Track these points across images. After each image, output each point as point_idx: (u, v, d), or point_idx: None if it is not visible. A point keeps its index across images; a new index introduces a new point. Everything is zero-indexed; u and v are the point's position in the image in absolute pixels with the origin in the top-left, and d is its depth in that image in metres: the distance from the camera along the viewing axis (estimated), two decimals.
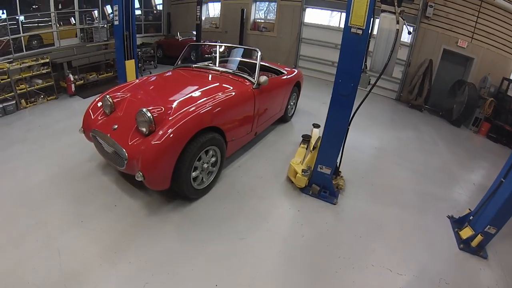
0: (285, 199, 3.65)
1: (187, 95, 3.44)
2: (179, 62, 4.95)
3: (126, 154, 2.91)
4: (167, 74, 4.47)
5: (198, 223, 3.10)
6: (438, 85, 9.27)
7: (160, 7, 14.29)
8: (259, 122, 4.41)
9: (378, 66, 2.99)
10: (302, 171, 3.66)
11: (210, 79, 4.17)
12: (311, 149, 4.19)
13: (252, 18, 12.54)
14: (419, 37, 9.13)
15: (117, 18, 5.83)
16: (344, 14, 10.41)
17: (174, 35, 12.46)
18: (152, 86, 3.92)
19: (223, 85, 3.87)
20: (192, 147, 2.94)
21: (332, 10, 10.95)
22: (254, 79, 4.15)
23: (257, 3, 12.60)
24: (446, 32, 8.97)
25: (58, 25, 8.72)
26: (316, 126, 5.64)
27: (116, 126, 3.21)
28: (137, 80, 4.23)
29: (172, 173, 2.91)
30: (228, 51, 6.29)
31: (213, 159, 3.41)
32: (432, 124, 8.26)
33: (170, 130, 2.79)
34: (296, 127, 6.00)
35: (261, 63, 5.53)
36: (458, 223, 3.54)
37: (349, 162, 4.40)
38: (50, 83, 6.86)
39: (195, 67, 4.66)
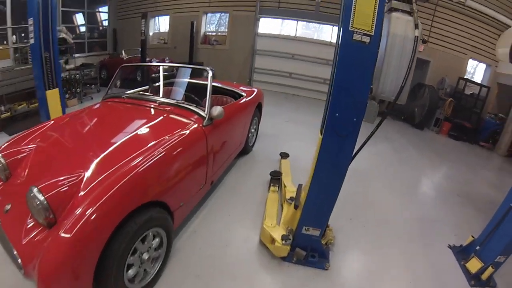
0: (263, 273, 2.52)
1: (110, 148, 2.17)
2: (109, 91, 3.61)
3: (19, 260, 1.63)
4: (91, 110, 3.13)
5: None
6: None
7: (106, 23, 12.64)
8: (215, 168, 3.19)
9: (388, 90, 1.98)
10: (283, 239, 2.54)
11: (145, 117, 2.87)
12: (286, 197, 3.17)
13: (202, 31, 11.40)
14: None
15: (32, 35, 4.45)
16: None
17: (119, 54, 10.94)
18: (67, 133, 2.57)
19: (163, 126, 2.72)
20: (119, 242, 1.73)
21: (287, 19, 10.15)
22: (204, 112, 2.93)
23: (208, 14, 11.49)
24: None
25: None
26: (284, 155, 4.60)
27: (9, 206, 1.91)
28: (52, 122, 2.84)
29: (94, 282, 1.71)
30: (171, 72, 5.09)
31: (157, 240, 2.17)
32: (399, 130, 7.89)
33: (80, 222, 1.57)
34: (259, 159, 4.75)
35: (214, 84, 4.44)
36: (462, 253, 3.06)
37: None
38: None
39: (128, 97, 3.37)
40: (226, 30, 11.14)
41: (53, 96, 4.53)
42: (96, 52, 11.85)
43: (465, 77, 8.77)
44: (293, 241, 2.54)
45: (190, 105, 3.03)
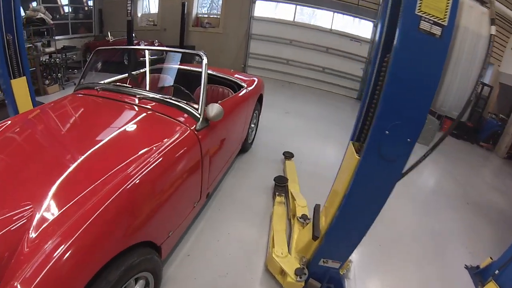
0: None
1: (70, 168, 1.56)
2: (82, 80, 2.91)
3: None
4: (56, 108, 2.44)
5: None
6: None
7: (91, 3, 11.61)
8: (211, 178, 2.63)
9: (451, 102, 1.45)
10: (296, 273, 2.04)
11: (120, 120, 2.24)
12: (296, 213, 2.69)
13: (194, 13, 10.62)
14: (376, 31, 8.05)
15: None
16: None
17: (105, 36, 10.11)
18: (16, 144, 1.89)
19: (143, 133, 2.13)
20: None
21: (285, 3, 9.41)
22: (198, 111, 2.31)
23: None
24: None
25: None
26: (288, 156, 4.09)
27: None
28: (8, 122, 2.09)
29: None
30: (161, 55, 4.41)
31: (141, 282, 1.65)
32: None
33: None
34: (260, 159, 4.18)
35: (210, 72, 3.80)
36: (479, 275, 2.74)
37: None
38: None
39: (103, 89, 2.60)
40: (219, 12, 10.38)
41: (19, 86, 3.81)
42: (81, 34, 10.96)
43: None
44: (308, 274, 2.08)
45: (179, 102, 2.38)
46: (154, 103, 2.39)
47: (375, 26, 8.13)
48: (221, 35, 10.35)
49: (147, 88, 3.25)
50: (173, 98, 2.42)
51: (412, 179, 4.44)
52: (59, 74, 6.66)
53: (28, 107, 3.70)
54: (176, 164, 1.90)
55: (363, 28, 8.43)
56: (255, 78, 4.35)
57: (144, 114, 2.27)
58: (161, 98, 2.42)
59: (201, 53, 2.58)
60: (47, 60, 6.40)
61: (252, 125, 4.30)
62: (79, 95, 2.64)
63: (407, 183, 4.22)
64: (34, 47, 6.13)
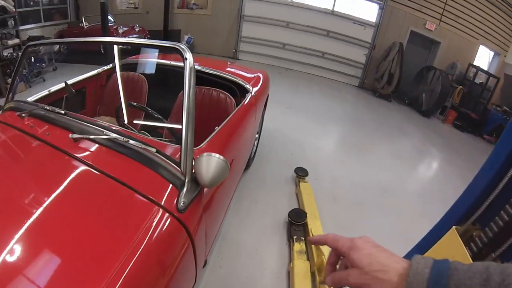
0: None
1: None
2: (10, 95, 1.89)
3: None
4: None
5: None
6: (404, 71, 7.74)
7: None
8: (209, 244, 1.69)
9: None
10: None
11: (57, 182, 1.25)
12: (322, 269, 2.08)
13: None
14: (386, 16, 7.37)
15: None
16: None
17: (80, 22, 8.97)
18: None
19: (92, 221, 1.13)
20: None
21: None
22: (180, 169, 1.32)
23: None
24: (414, 12, 7.52)
25: None
26: (301, 175, 3.33)
27: None
28: None
29: None
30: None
31: None
32: (408, 118, 6.84)
33: None
34: (265, 178, 3.38)
35: (202, 70, 2.90)
36: None
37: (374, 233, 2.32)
38: None
39: (32, 114, 1.64)
40: None
41: None
42: (56, 21, 9.74)
43: (474, 63, 7.86)
44: None
45: (145, 147, 1.35)
46: (99, 150, 1.42)
47: (381, 9, 7.37)
48: (210, 17, 9.34)
49: (100, 112, 2.49)
50: (133, 142, 1.37)
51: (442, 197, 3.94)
52: (24, 70, 5.73)
53: None
54: (154, 268, 1.08)
55: (368, 11, 7.62)
56: (259, 74, 3.38)
57: (92, 179, 1.31)
58: (114, 143, 1.40)
59: (182, 46, 1.45)
60: (8, 55, 5.47)
61: (256, 135, 3.46)
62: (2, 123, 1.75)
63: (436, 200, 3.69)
64: None
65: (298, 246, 2.44)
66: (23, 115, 1.65)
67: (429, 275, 0.52)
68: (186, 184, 1.30)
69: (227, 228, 2.63)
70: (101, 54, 6.85)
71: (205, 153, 1.24)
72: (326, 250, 2.17)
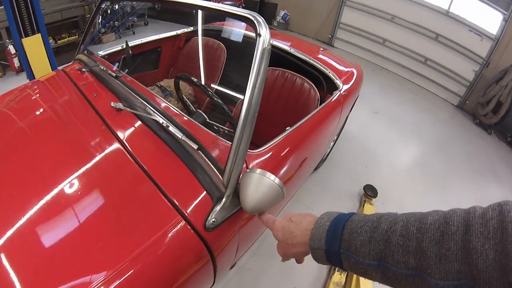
0: None
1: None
2: (82, 47, 2.01)
3: None
4: (15, 104, 1.60)
5: None
6: None
7: None
8: (240, 253, 1.52)
9: None
10: None
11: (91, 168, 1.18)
12: None
13: None
14: (509, 30, 6.05)
15: None
16: None
17: None
18: None
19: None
20: None
21: None
22: (223, 179, 1.08)
23: None
24: None
25: None
26: (370, 195, 3.06)
27: None
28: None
29: None
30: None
31: None
32: (505, 159, 5.46)
33: None
34: (328, 188, 3.17)
35: (288, 49, 2.65)
36: None
37: None
38: None
39: (91, 70, 1.72)
40: None
41: (32, 45, 3.08)
42: None
43: None
44: None
45: (185, 140, 1.16)
46: (137, 128, 1.32)
47: (505, 21, 6.15)
48: None
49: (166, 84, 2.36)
50: (173, 129, 1.21)
51: None
52: (115, 22, 6.03)
53: (45, 71, 3.05)
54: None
55: (488, 19, 6.38)
56: (353, 69, 2.91)
57: (110, 154, 1.23)
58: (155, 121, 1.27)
59: (259, 18, 1.10)
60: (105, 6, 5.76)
61: (335, 137, 3.27)
62: (66, 73, 1.79)
63: None
64: None
65: (338, 277, 2.29)
66: (83, 69, 1.71)
67: (328, 226, 0.63)
68: (225, 198, 1.07)
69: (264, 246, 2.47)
70: (193, 16, 6.91)
71: (258, 170, 0.95)
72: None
